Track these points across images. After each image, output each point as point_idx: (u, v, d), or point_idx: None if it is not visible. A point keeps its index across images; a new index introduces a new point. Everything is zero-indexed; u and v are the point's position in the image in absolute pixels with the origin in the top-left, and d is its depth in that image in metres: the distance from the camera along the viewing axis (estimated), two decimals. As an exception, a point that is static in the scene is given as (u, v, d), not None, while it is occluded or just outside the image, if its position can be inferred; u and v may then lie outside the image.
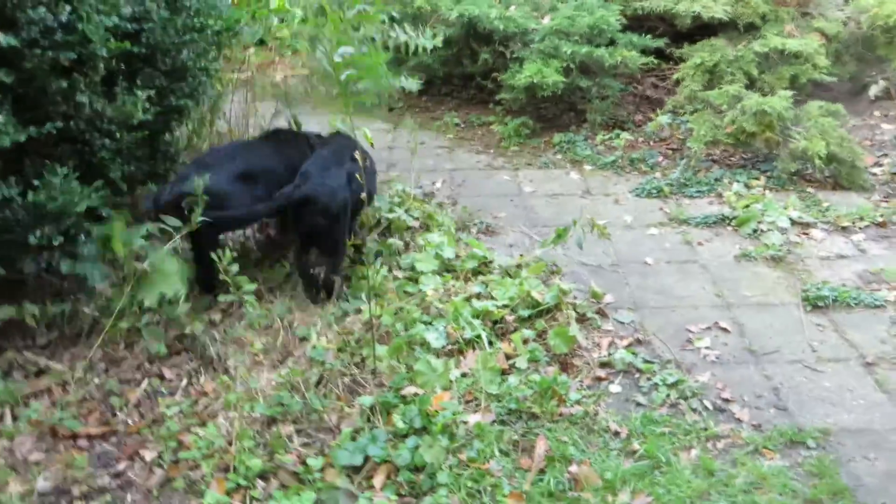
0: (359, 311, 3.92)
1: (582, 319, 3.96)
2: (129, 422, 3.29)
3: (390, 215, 4.75)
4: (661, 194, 5.39)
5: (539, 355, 3.61)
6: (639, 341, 3.86)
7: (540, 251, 4.48)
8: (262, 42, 9.09)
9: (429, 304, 3.86)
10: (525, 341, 3.72)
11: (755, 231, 4.84)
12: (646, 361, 3.67)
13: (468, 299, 3.94)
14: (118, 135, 3.78)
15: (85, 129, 3.69)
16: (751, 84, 5.97)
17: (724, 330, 3.94)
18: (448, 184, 5.67)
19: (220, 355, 3.65)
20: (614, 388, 3.52)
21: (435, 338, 3.61)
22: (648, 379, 3.55)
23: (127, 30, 3.80)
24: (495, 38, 6.37)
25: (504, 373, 3.54)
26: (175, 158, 4.38)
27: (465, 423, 3.21)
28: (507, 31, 6.21)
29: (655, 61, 6.32)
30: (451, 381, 3.43)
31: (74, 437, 3.18)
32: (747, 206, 5.03)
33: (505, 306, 3.89)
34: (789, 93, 5.53)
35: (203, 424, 3.20)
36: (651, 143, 6.20)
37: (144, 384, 3.48)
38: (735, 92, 5.52)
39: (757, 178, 5.53)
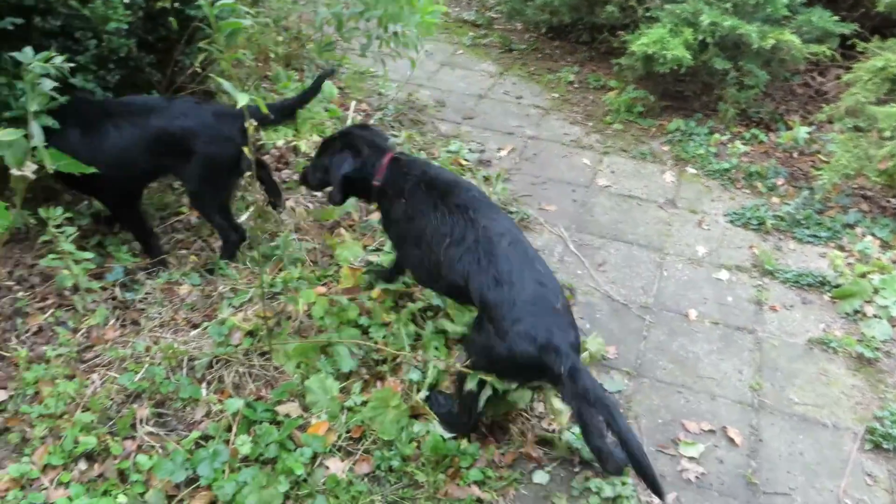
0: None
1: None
2: (18, 349, 3.10)
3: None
4: (761, 228, 4.22)
5: (465, 407, 2.92)
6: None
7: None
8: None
9: (371, 307, 3.26)
10: (464, 383, 3.04)
11: (856, 312, 3.62)
12: (599, 454, 2.86)
13: (422, 311, 3.29)
14: (106, 39, 3.46)
15: (70, 28, 3.40)
16: (952, 108, 4.44)
17: (732, 441, 2.98)
18: (515, 154, 4.86)
19: (141, 300, 3.35)
20: (539, 476, 2.78)
21: (349, 356, 3.03)
22: (586, 479, 2.76)
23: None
24: (628, -12, 5.25)
25: (416, 416, 2.91)
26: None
27: (327, 468, 2.67)
28: (645, -17, 5.08)
29: (829, 52, 4.88)
30: (342, 410, 2.87)
31: (-44, 352, 3.06)
32: (863, 276, 3.77)
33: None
34: None
35: (71, 377, 2.94)
36: (789, 155, 4.89)
37: (51, 312, 3.27)
38: (909, 117, 4.09)
39: (907, 237, 4.16)
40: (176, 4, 3.78)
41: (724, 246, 4.11)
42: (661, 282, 3.83)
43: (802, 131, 4.75)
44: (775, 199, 4.48)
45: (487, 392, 2.60)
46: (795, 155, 4.89)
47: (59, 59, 2.76)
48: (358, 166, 3.03)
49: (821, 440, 3.01)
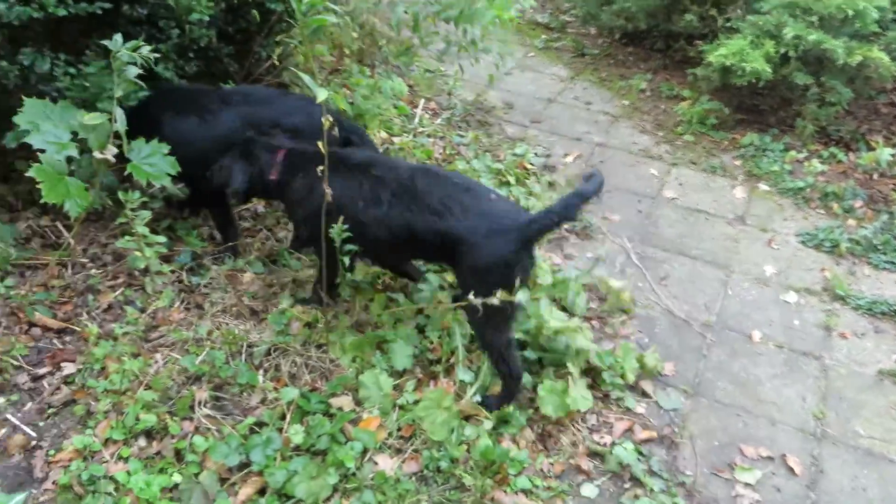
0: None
1: (604, 393, 3.12)
2: (88, 325, 3.21)
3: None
4: (835, 251, 4.07)
5: (516, 411, 2.91)
6: (663, 440, 2.96)
7: (617, 283, 3.60)
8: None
9: (425, 307, 3.27)
10: (517, 389, 3.02)
11: (933, 345, 3.47)
12: (650, 473, 2.81)
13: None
14: (188, 29, 3.56)
15: (155, 16, 3.51)
16: None
17: (791, 471, 2.88)
18: (581, 161, 4.80)
19: (206, 285, 3.44)
20: (587, 490, 2.74)
21: (403, 355, 3.04)
22: (636, 497, 2.71)
23: None
24: (708, -3, 5.13)
25: (467, 418, 2.91)
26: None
27: (375, 463, 2.69)
28: (725, -8, 4.95)
29: (920, 72, 4.66)
30: (394, 407, 2.89)
31: (32, 324, 3.19)
32: (943, 307, 3.60)
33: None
34: None
35: (136, 356, 3.03)
36: (869, 177, 4.70)
37: (121, 291, 3.38)
38: None
39: None
40: (259, -3, 3.87)
41: (793, 267, 3.97)
42: (725, 300, 3.73)
43: (886, 152, 4.55)
44: (851, 222, 4.31)
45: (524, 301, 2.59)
46: (876, 177, 4.69)
47: (146, 49, 2.85)
48: (255, 173, 3.08)
49: (886, 476, 2.89)
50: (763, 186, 4.63)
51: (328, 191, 2.66)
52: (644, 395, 3.16)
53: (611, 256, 3.96)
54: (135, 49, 2.86)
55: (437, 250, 2.85)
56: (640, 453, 2.87)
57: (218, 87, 3.53)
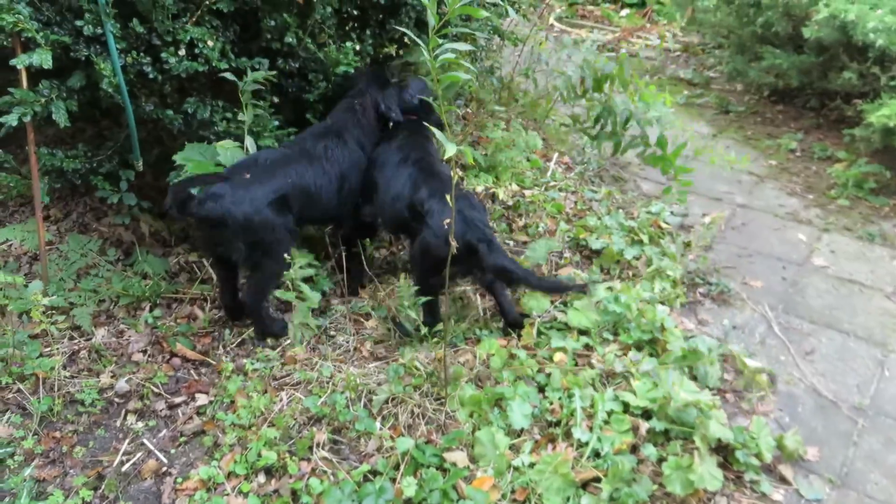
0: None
1: (737, 474, 2.88)
2: (223, 358, 3.38)
3: (603, 242, 4.02)
4: None
5: (637, 485, 2.73)
6: (804, 536, 2.68)
7: (751, 361, 3.35)
8: (643, 4, 8.43)
9: (544, 366, 3.18)
10: (641, 462, 2.85)
11: None
12: (786, 571, 2.55)
13: (602, 379, 3.15)
14: (333, 81, 3.75)
15: (305, 69, 3.73)
16: None
17: (958, 587, 2.52)
18: (722, 221, 4.57)
19: (331, 324, 3.54)
20: (712, 582, 2.52)
21: (521, 414, 2.96)
22: None
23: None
24: (871, 54, 4.78)
25: (584, 486, 2.77)
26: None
27: (486, 526, 2.61)
28: (891, 49, 4.60)
29: None
30: (509, 468, 2.80)
31: (173, 354, 3.40)
32: None
33: (641, 410, 3.00)
34: None
35: (264, 392, 3.14)
36: None
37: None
38: None
39: None
40: (400, 52, 4.03)
41: (964, 351, 3.55)
42: (882, 382, 3.37)
43: None
44: None
45: None
46: None
47: (260, 74, 3.10)
48: None
49: None
50: (929, 259, 4.21)
51: (453, 243, 2.67)
52: (782, 480, 2.89)
53: (750, 325, 3.71)
54: (255, 80, 3.11)
55: None
56: (775, 548, 2.61)
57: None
